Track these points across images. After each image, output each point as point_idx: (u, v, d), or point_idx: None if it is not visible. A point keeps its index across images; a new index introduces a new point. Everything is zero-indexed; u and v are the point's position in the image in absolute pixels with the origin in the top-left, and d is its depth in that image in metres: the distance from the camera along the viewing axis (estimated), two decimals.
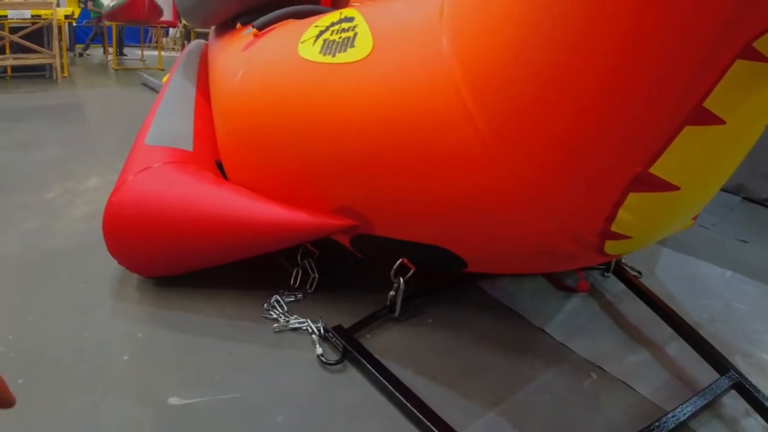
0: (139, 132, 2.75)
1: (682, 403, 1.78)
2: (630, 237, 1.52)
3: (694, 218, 1.92)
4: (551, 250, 1.62)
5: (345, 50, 1.81)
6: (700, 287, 2.71)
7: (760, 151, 4.29)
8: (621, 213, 1.45)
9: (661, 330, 2.21)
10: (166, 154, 2.37)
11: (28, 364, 1.81)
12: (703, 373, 1.99)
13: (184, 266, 2.26)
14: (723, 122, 1.34)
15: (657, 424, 1.68)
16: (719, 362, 1.99)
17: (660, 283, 2.64)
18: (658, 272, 2.77)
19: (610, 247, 1.54)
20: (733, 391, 1.90)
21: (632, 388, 1.91)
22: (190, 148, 2.44)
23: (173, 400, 1.70)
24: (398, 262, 1.98)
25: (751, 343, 2.32)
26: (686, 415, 1.74)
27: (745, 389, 1.88)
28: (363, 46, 1.78)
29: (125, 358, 1.89)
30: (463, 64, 1.53)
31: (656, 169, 1.38)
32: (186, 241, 2.12)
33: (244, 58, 2.40)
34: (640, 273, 2.59)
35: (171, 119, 2.86)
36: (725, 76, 1.25)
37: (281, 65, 2.05)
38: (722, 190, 4.40)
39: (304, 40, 2.01)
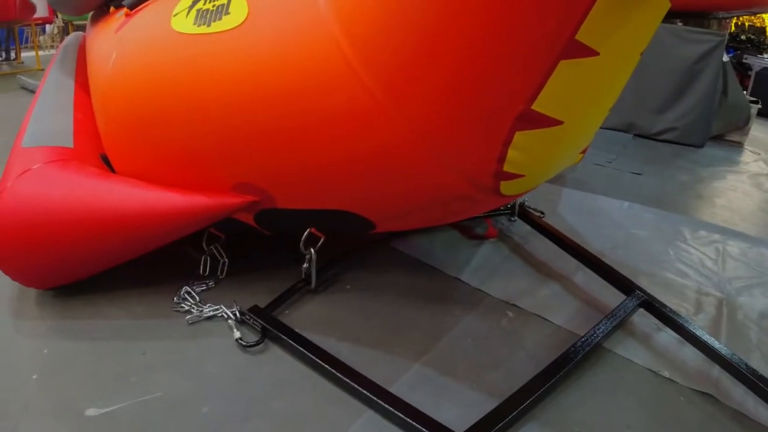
0: (17, 136, 2.53)
1: (594, 326, 1.88)
2: (523, 175, 1.57)
3: (583, 152, 2.01)
4: (452, 197, 1.65)
5: (220, 18, 1.72)
6: (601, 219, 2.88)
7: (645, 89, 4.65)
8: (511, 152, 1.49)
9: (567, 263, 2.33)
10: (45, 154, 2.18)
11: None
12: (612, 297, 2.11)
13: (82, 271, 2.11)
14: (596, 53, 1.39)
15: (572, 349, 1.78)
16: (625, 284, 2.13)
17: (563, 220, 2.78)
18: (561, 210, 2.91)
19: (506, 187, 1.59)
20: (642, 310, 2.03)
21: (547, 320, 2.01)
22: (70, 144, 2.26)
23: (91, 411, 1.60)
24: (306, 232, 1.94)
25: (653, 265, 2.50)
26: (599, 337, 1.85)
27: (652, 306, 2.02)
28: (238, 11, 1.70)
29: (34, 377, 1.75)
30: (343, 23, 1.50)
31: (538, 106, 1.42)
32: (79, 244, 1.97)
33: (117, 40, 2.23)
34: (542, 213, 2.72)
35: (48, 117, 2.64)
36: (594, 6, 1.29)
37: (155, 42, 1.93)
38: (615, 129, 4.72)
39: (177, 13, 1.89)
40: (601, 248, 2.53)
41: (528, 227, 2.59)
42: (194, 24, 1.80)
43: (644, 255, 2.59)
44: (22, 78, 6.66)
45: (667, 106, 4.70)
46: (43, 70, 7.54)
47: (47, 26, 10.12)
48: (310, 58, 1.55)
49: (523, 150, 1.49)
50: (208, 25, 1.75)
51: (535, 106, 1.41)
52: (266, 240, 2.22)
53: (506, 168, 1.52)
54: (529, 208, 2.67)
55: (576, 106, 1.53)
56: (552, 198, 3.06)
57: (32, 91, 6.09)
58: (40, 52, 8.40)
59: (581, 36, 1.33)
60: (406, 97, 1.47)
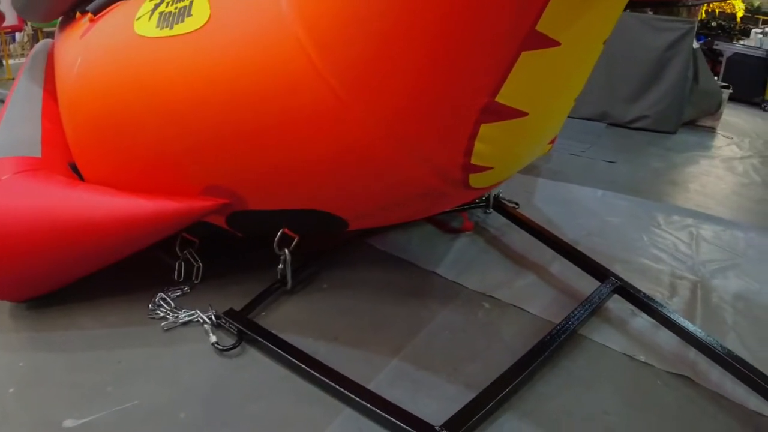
0: None
1: (569, 314, 1.90)
2: (491, 167, 1.58)
3: (552, 142, 2.02)
4: (423, 192, 1.65)
5: (182, 20, 1.71)
6: (575, 208, 2.91)
7: (617, 79, 4.70)
8: (477, 145, 1.50)
9: (543, 253, 2.35)
10: (13, 165, 2.15)
11: None
12: (588, 284, 2.13)
13: (55, 282, 2.08)
14: (558, 44, 1.40)
15: (548, 337, 1.79)
16: (599, 272, 2.15)
17: (538, 210, 2.81)
18: (536, 201, 2.94)
19: (475, 180, 1.60)
20: (617, 296, 2.05)
21: (523, 310, 2.03)
22: (38, 153, 2.23)
23: (68, 423, 1.58)
24: (279, 233, 1.93)
25: (628, 251, 2.53)
26: (574, 324, 1.86)
27: (626, 292, 2.04)
28: (200, 13, 1.68)
29: (11, 390, 1.72)
30: (305, 23, 1.49)
31: (502, 98, 1.43)
32: (50, 255, 1.94)
33: (82, 46, 2.20)
34: (517, 204, 2.74)
35: (16, 127, 2.60)
36: None
37: (119, 46, 1.90)
38: (588, 118, 4.77)
39: (140, 17, 1.87)
40: (575, 237, 2.55)
41: (503, 219, 2.60)
42: (157, 27, 1.78)
43: (618, 242, 2.62)
44: None
45: (639, 94, 4.75)
46: (13, 79, 7.41)
47: (17, 34, 9.93)
48: (274, 59, 1.55)
49: (490, 142, 1.50)
50: (171, 28, 1.73)
51: (498, 98, 1.42)
52: (241, 242, 2.21)
53: (474, 161, 1.53)
54: (504, 199, 2.69)
55: (540, 97, 1.54)
56: (527, 189, 3.08)
57: (1, 101, 5.99)
58: (11, 61, 8.24)
59: (542, 27, 1.35)
60: (371, 95, 1.48)
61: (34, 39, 9.49)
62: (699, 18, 7.18)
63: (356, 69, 1.46)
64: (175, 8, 1.78)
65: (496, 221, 2.65)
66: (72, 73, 2.14)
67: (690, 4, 5.52)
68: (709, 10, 8.38)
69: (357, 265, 2.31)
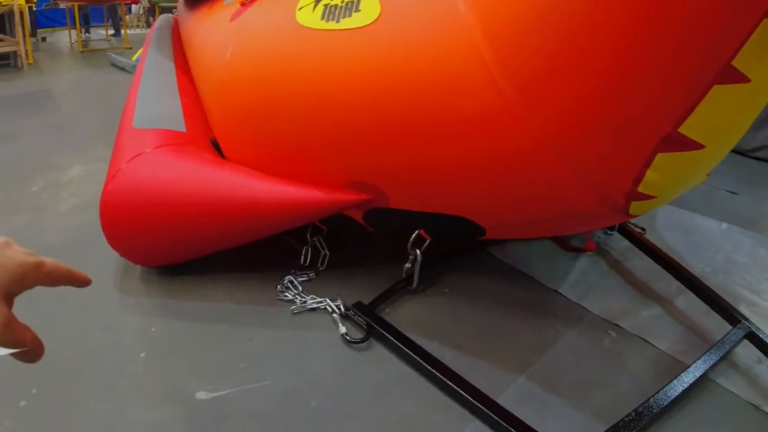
0: (123, 115, 2.63)
1: (701, 356, 1.82)
2: (654, 197, 1.51)
3: (708, 174, 1.92)
4: (576, 211, 1.60)
5: (350, 15, 1.73)
6: (699, 240, 2.75)
7: None
8: (649, 173, 1.43)
9: (668, 284, 2.25)
10: (158, 137, 2.27)
11: (39, 371, 1.70)
12: (714, 324, 2.03)
13: (189, 253, 2.19)
14: (748, 80, 1.32)
15: (679, 378, 1.72)
16: (730, 313, 2.04)
17: (660, 237, 2.68)
18: (658, 227, 2.80)
19: (635, 207, 1.54)
20: (745, 341, 1.94)
21: (650, 344, 1.95)
22: (182, 128, 2.34)
23: (201, 395, 1.64)
24: (415, 233, 1.94)
25: (754, 293, 2.38)
26: (706, 368, 1.78)
27: (756, 338, 1.93)
28: (370, 9, 1.70)
29: (142, 355, 1.81)
30: (483, 23, 1.46)
31: (685, 129, 1.36)
32: (190, 228, 2.04)
33: (233, 30, 2.29)
34: (644, 229, 2.62)
35: (156, 99, 2.73)
36: (753, 34, 1.22)
37: (279, 35, 1.96)
38: None
39: (302, 6, 1.91)
40: (700, 271, 2.42)
41: (625, 243, 2.50)
42: (321, 19, 1.81)
43: (744, 282, 2.46)
44: (112, 55, 6.95)
45: (763, 122, 4.43)
46: (130, 48, 7.85)
47: (133, 6, 10.50)
48: (445, 57, 1.51)
49: (661, 172, 1.44)
50: (337, 21, 1.76)
51: (682, 129, 1.36)
52: (364, 234, 2.23)
53: (641, 188, 1.47)
54: (630, 223, 2.58)
55: (719, 131, 1.47)
56: (647, 213, 2.94)
57: (122, 69, 6.35)
58: (128, 31, 8.74)
59: (737, 62, 1.27)
60: (542, 104, 1.41)
61: (150, 12, 10.01)
62: None
63: (531, 74, 1.39)
64: (342, 2, 1.80)
65: (618, 244, 2.55)
66: (224, 56, 2.23)
67: None
68: None
69: (477, 272, 2.28)
